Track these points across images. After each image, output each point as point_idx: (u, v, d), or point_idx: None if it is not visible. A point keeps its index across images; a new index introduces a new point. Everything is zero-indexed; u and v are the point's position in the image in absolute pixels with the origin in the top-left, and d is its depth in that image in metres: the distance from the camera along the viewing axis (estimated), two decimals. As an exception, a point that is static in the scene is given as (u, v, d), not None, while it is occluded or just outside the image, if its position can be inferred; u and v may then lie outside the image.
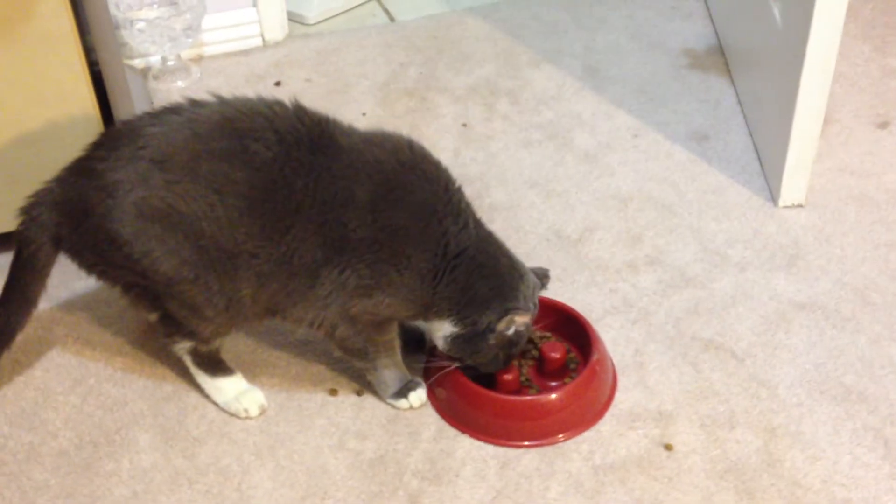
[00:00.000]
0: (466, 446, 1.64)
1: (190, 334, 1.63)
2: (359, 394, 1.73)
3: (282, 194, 1.51)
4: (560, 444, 1.63)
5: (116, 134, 1.59)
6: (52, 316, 1.88)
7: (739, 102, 2.39)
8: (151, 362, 1.79)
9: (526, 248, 2.01)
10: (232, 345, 1.75)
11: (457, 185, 1.62)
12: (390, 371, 1.68)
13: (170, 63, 2.49)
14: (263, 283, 1.55)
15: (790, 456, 1.61)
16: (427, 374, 1.73)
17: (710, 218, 2.08)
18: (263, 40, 2.64)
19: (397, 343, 1.68)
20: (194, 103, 1.58)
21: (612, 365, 1.75)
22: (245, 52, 2.61)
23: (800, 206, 2.09)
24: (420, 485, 1.58)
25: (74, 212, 1.56)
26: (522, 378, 1.70)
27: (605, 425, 1.66)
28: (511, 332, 1.58)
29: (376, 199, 1.53)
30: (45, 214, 1.58)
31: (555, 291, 1.91)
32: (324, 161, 1.53)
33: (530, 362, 1.74)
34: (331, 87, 2.49)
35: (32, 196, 1.60)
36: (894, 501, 1.53)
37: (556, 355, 1.70)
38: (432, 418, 1.69)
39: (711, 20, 2.68)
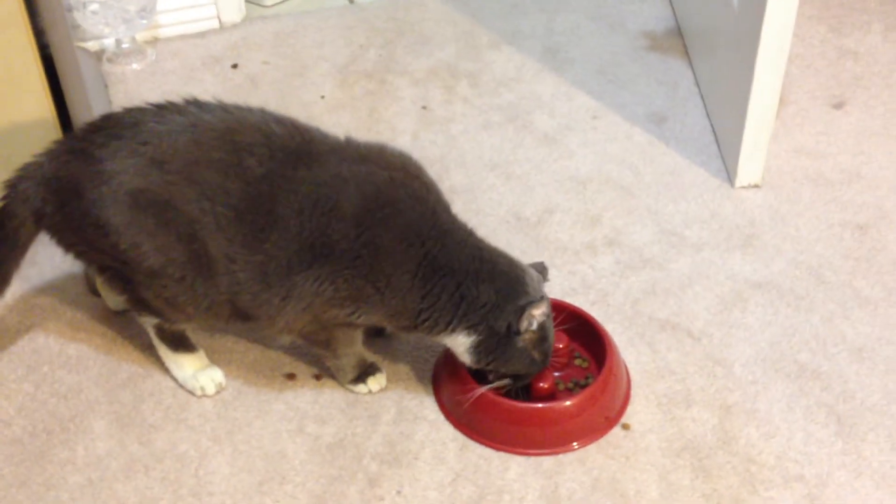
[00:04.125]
0: (426, 429, 1.64)
1: (159, 315, 1.63)
2: (317, 378, 1.72)
3: (265, 207, 1.51)
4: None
5: (118, 122, 1.56)
6: (5, 302, 1.85)
7: (697, 84, 2.40)
8: (107, 349, 1.77)
9: (486, 230, 1.98)
10: (191, 329, 1.73)
11: (445, 203, 1.60)
12: (349, 358, 1.67)
13: (124, 45, 2.45)
14: (238, 291, 1.54)
15: (745, 433, 1.62)
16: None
17: (667, 199, 2.09)
18: (220, 22, 2.61)
19: (359, 333, 1.67)
20: (199, 105, 1.57)
21: (626, 369, 1.72)
22: (201, 34, 2.58)
23: (756, 186, 2.11)
24: (379, 468, 1.58)
25: (63, 191, 1.55)
26: (560, 385, 1.68)
27: (564, 406, 1.67)
28: (534, 326, 1.55)
29: (362, 214, 1.52)
30: (31, 189, 1.56)
31: (514, 273, 1.91)
32: (308, 175, 1.53)
33: None
34: (289, 70, 2.47)
35: (20, 170, 1.58)
36: (847, 477, 1.56)
37: (559, 345, 1.67)
38: (391, 401, 1.69)
39: (670, 2, 2.69)
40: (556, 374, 1.69)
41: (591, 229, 2.02)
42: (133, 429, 1.64)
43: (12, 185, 1.58)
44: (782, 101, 2.12)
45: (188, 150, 1.52)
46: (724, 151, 2.18)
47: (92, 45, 2.48)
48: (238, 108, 1.60)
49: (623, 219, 2.04)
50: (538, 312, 1.54)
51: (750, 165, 2.08)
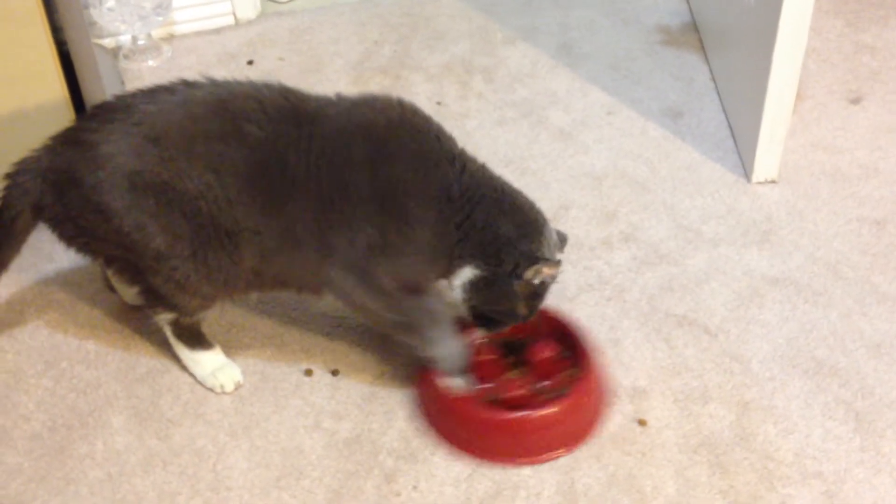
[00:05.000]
0: (442, 424, 1.65)
1: (172, 308, 1.63)
2: (334, 374, 1.73)
3: (276, 170, 1.52)
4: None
5: (109, 107, 1.58)
6: (24, 298, 1.86)
7: (713, 79, 2.39)
8: (125, 344, 1.78)
9: (501, 226, 2.01)
10: (208, 325, 1.74)
11: (448, 133, 1.61)
12: (447, 341, 1.58)
13: (140, 42, 2.46)
14: (269, 257, 1.55)
15: (763, 430, 1.62)
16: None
17: (683, 194, 2.08)
18: (235, 19, 2.62)
19: (442, 308, 1.59)
20: (188, 84, 1.58)
21: (604, 383, 1.69)
22: (217, 31, 2.59)
23: (773, 181, 2.10)
24: (395, 463, 1.58)
25: (61, 181, 1.55)
26: (532, 387, 1.65)
27: (580, 402, 1.67)
28: (537, 281, 1.54)
29: (372, 157, 1.53)
30: (29, 182, 1.57)
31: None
32: (313, 131, 1.54)
33: (518, 372, 1.67)
34: (304, 66, 2.47)
35: (18, 163, 1.60)
36: (865, 474, 1.55)
37: (547, 355, 1.65)
38: (408, 397, 1.69)
39: (685, -4, 2.68)
40: (545, 382, 1.64)
41: (607, 225, 2.02)
42: (151, 424, 1.65)
43: (10, 177, 1.60)
44: (799, 96, 2.11)
45: (183, 126, 1.52)
46: (740, 146, 2.17)
47: (108, 42, 2.49)
48: (226, 81, 1.60)
49: (639, 214, 2.04)
50: (548, 272, 1.54)
51: (766, 160, 2.07)
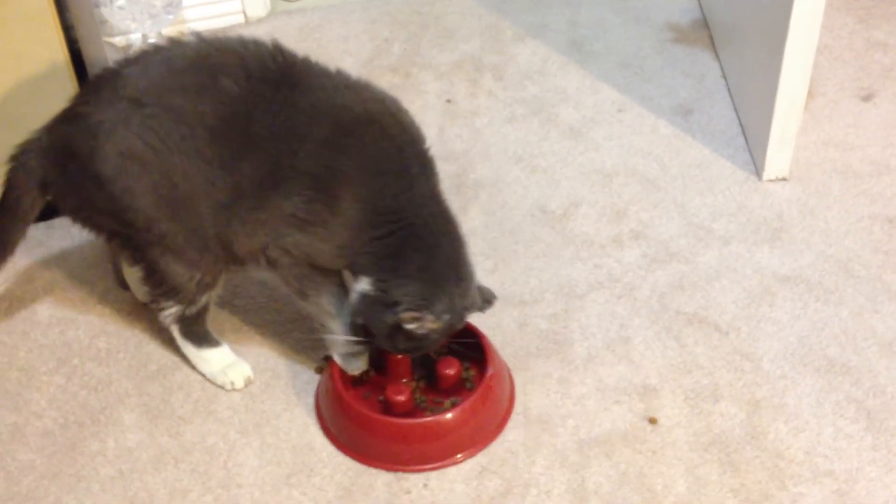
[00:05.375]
0: (452, 422, 1.65)
1: (174, 292, 1.62)
2: (344, 371, 1.73)
3: (241, 126, 1.53)
4: (546, 420, 1.64)
5: (98, 79, 1.62)
6: (36, 296, 1.87)
7: (724, 76, 2.38)
8: (136, 342, 1.79)
9: (511, 223, 2.01)
10: (218, 324, 1.75)
11: (420, 150, 1.57)
12: (335, 323, 1.61)
13: (151, 40, 2.47)
14: (219, 213, 1.55)
15: (774, 428, 1.62)
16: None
17: (694, 192, 2.08)
18: (245, 17, 2.62)
19: (340, 293, 1.62)
20: (174, 42, 1.60)
21: (510, 374, 1.69)
22: (227, 30, 2.59)
23: (784, 179, 2.09)
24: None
25: (61, 156, 1.59)
26: (417, 398, 1.63)
27: (590, 400, 1.67)
28: (411, 327, 1.51)
29: (330, 140, 1.53)
30: (32, 161, 1.61)
31: (539, 267, 1.91)
32: (288, 97, 1.54)
33: (422, 383, 1.67)
34: (314, 64, 2.47)
35: (20, 145, 1.63)
36: (877, 472, 1.55)
37: (450, 371, 1.62)
38: (418, 395, 1.69)
39: (696, -7, 2.67)
40: (453, 399, 1.63)
41: (618, 222, 2.01)
42: (162, 421, 1.65)
43: (15, 157, 1.63)
44: (810, 94, 2.11)
45: (162, 80, 1.55)
46: (751, 144, 2.16)
47: (119, 41, 2.49)
48: (215, 37, 1.60)
49: (649, 212, 2.04)
50: (427, 325, 1.50)
51: (778, 158, 2.06)
